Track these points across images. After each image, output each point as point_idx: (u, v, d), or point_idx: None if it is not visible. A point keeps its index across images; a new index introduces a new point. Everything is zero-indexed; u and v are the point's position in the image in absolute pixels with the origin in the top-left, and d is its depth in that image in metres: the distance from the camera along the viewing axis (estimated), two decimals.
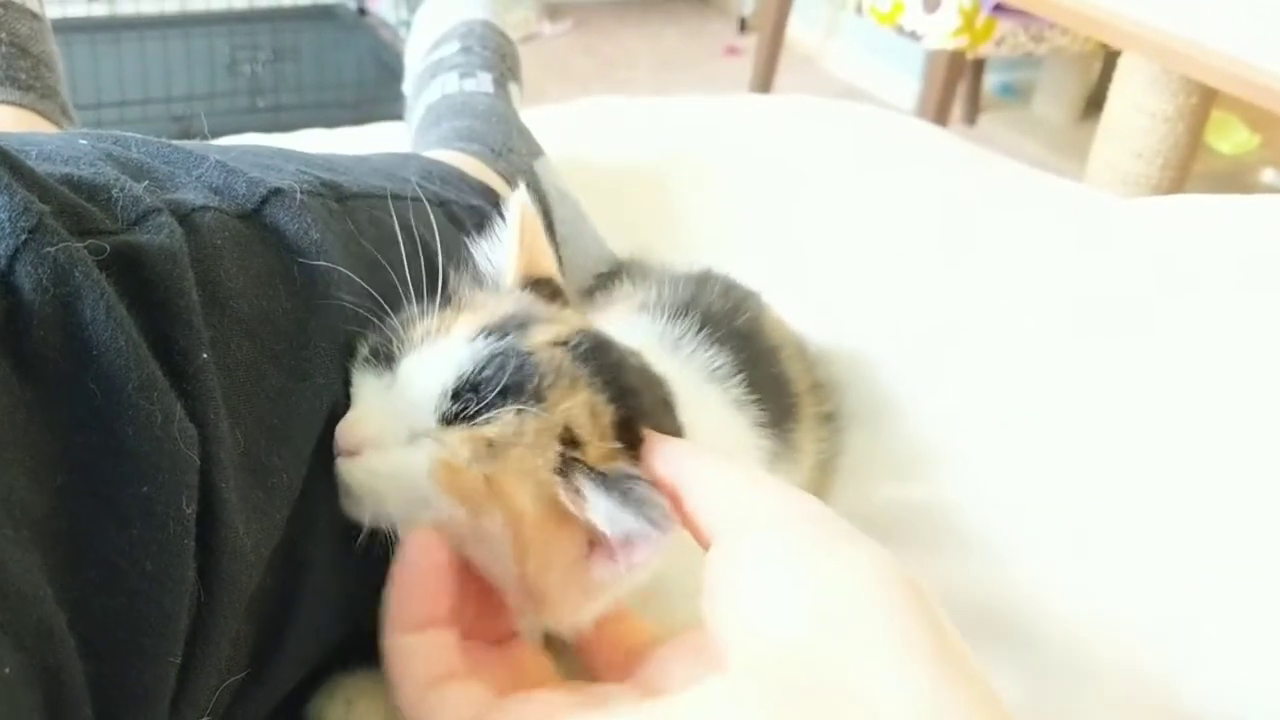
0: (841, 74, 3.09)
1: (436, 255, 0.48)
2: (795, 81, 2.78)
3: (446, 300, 0.45)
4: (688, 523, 0.38)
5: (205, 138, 0.52)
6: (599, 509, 0.38)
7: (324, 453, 0.41)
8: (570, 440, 0.39)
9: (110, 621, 0.31)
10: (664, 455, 0.40)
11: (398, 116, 1.03)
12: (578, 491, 0.39)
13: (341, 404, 0.42)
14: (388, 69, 2.14)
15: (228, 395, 0.36)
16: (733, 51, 3.21)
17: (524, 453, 0.39)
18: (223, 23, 2.36)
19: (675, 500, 0.38)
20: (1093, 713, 0.50)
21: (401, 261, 0.46)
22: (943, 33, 2.09)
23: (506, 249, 0.50)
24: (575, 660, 0.43)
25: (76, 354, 0.32)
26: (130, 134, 0.43)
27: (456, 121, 0.82)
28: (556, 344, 0.42)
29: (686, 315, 0.57)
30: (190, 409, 0.34)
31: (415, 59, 0.99)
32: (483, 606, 0.41)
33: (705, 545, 0.37)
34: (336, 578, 0.41)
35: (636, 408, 0.42)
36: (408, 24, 1.89)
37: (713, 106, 1.06)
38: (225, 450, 0.35)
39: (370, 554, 0.41)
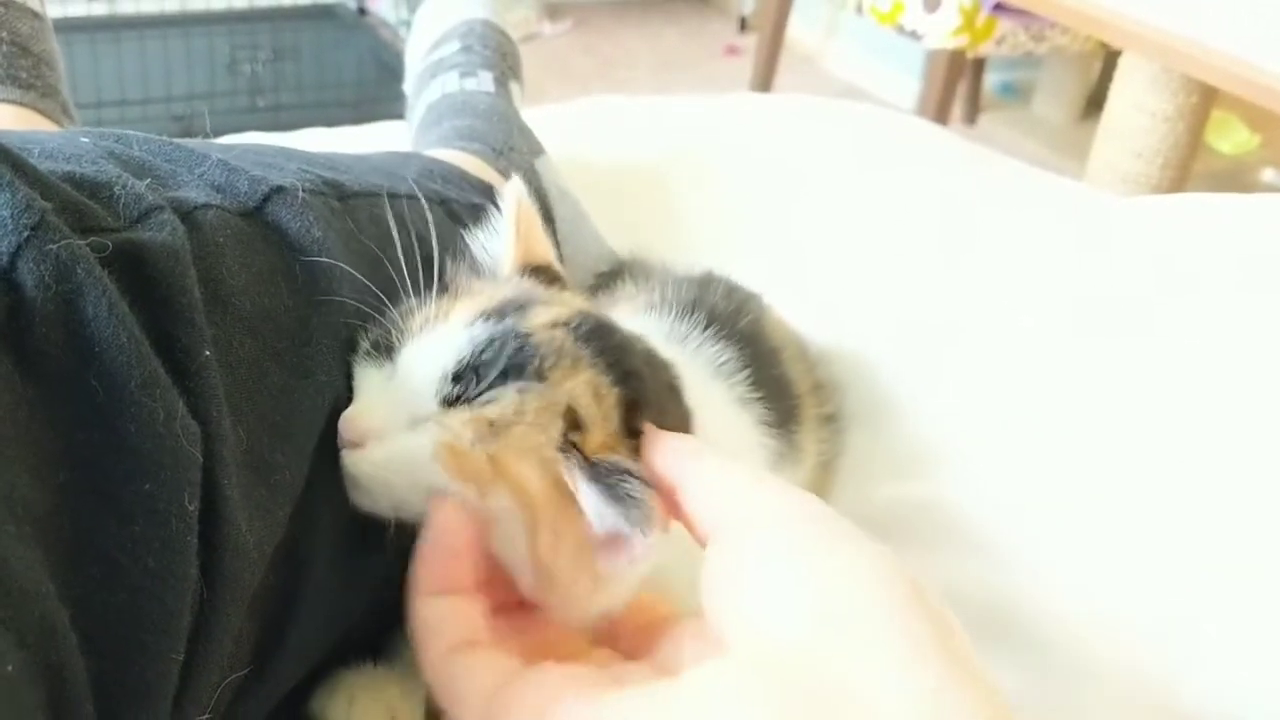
0: (841, 74, 3.08)
1: (437, 253, 0.48)
2: (795, 81, 2.78)
3: (445, 290, 0.45)
4: (685, 519, 0.38)
5: (207, 136, 0.52)
6: (587, 502, 0.38)
7: (326, 450, 0.41)
8: (574, 421, 0.39)
9: (112, 618, 0.31)
10: (665, 450, 0.39)
11: (398, 116, 1.03)
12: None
13: (344, 401, 0.42)
14: (388, 68, 2.14)
15: (230, 393, 0.36)
16: (733, 51, 3.21)
17: (526, 431, 0.39)
18: (223, 22, 2.36)
19: (672, 496, 0.38)
20: (1093, 712, 0.50)
21: (401, 260, 0.46)
22: (943, 32, 2.09)
23: (503, 237, 0.50)
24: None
25: (79, 351, 0.32)
26: (132, 132, 0.43)
27: (457, 120, 0.82)
28: (557, 325, 0.42)
29: (691, 315, 0.57)
30: (193, 406, 0.34)
31: (416, 58, 0.99)
32: (509, 581, 0.41)
33: (702, 542, 0.37)
34: (338, 575, 0.41)
35: (641, 390, 0.41)
36: (408, 23, 1.88)
37: (713, 106, 1.06)
38: (228, 447, 0.35)
39: (372, 551, 0.41)
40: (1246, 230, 0.74)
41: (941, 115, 2.18)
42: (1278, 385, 0.61)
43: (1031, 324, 0.71)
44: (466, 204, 0.62)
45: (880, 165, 0.94)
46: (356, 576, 0.43)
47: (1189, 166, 1.64)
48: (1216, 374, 0.63)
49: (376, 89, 2.17)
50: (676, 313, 0.57)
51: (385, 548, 0.42)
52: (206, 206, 0.39)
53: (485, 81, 0.90)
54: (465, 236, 0.52)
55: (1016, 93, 2.85)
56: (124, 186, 0.37)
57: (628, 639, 0.40)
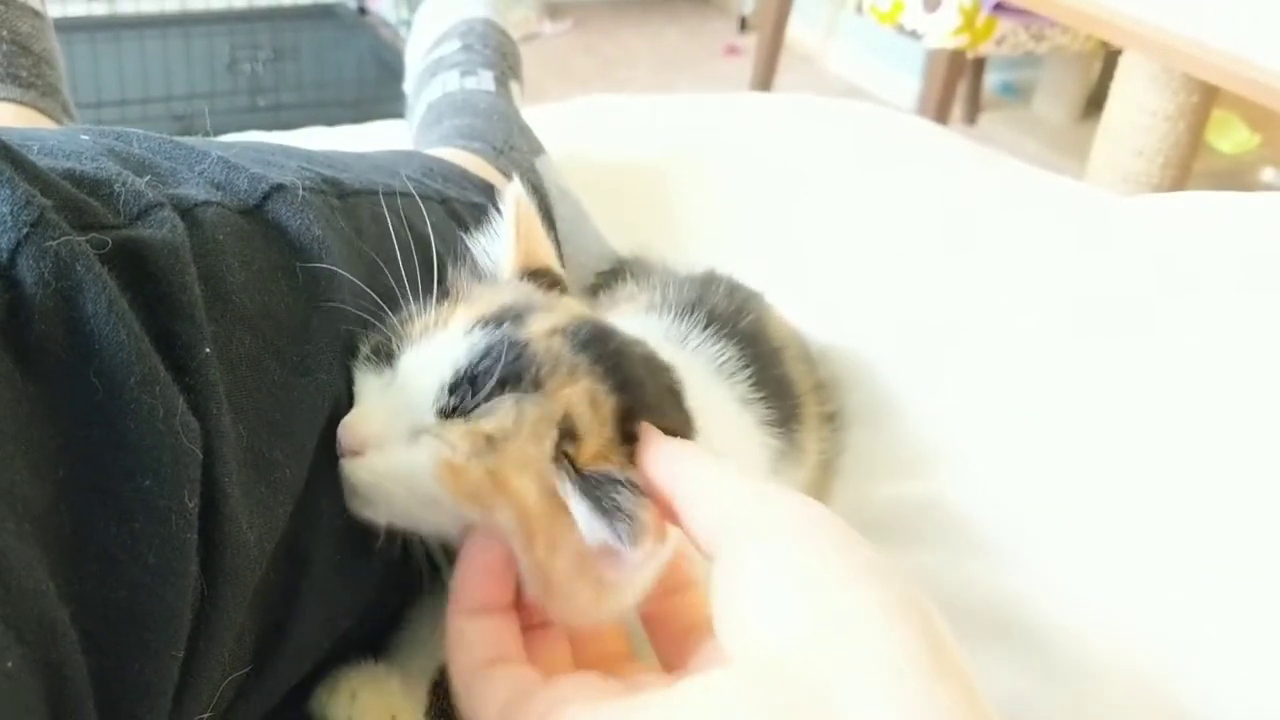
0: (841, 73, 3.08)
1: (438, 252, 0.48)
2: (795, 81, 2.78)
3: (445, 294, 0.45)
4: (686, 529, 0.37)
5: (208, 135, 0.52)
6: (579, 515, 0.37)
7: (326, 448, 0.41)
8: (569, 431, 0.39)
9: (112, 616, 0.31)
10: (662, 456, 0.39)
11: (398, 115, 1.03)
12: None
13: (344, 399, 0.42)
14: (388, 68, 2.14)
15: (230, 390, 0.36)
16: (733, 51, 3.21)
17: (524, 444, 0.39)
18: (223, 22, 2.35)
19: (669, 505, 0.38)
20: (1093, 712, 0.50)
21: (403, 257, 0.46)
22: (943, 31, 2.09)
23: (503, 241, 0.50)
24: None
25: (78, 348, 0.32)
26: (132, 130, 0.43)
27: (458, 119, 0.82)
28: (554, 332, 0.42)
29: (692, 315, 0.57)
30: (192, 403, 0.34)
31: (416, 57, 0.99)
32: None
33: (704, 551, 0.37)
34: (338, 573, 0.41)
35: (639, 397, 0.41)
36: (408, 23, 1.88)
37: (713, 106, 1.06)
38: (228, 444, 0.35)
39: (372, 550, 0.41)
40: (1247, 229, 0.74)
41: (942, 115, 2.18)
42: (1278, 385, 0.61)
43: (1031, 324, 0.71)
44: (467, 203, 0.62)
45: (880, 165, 0.94)
46: (357, 575, 0.43)
47: (1190, 166, 1.64)
48: (1216, 374, 0.63)
49: (376, 88, 2.17)
50: (677, 313, 0.57)
51: (383, 549, 0.42)
52: (206, 204, 0.39)
53: (486, 80, 0.90)
54: (466, 239, 0.52)
55: (1017, 92, 2.85)
56: (124, 184, 0.37)
57: (668, 648, 0.40)
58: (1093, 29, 1.68)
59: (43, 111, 0.77)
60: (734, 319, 0.59)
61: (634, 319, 0.57)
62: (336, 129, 1.06)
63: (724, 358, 0.55)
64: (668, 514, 0.38)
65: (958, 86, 2.32)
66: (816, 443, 0.63)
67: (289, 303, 0.40)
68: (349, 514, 0.42)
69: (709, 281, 0.65)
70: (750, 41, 2.99)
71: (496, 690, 0.37)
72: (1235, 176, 2.29)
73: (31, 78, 0.78)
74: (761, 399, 0.56)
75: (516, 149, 0.78)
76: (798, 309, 0.74)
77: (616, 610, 0.40)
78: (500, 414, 0.39)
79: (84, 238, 0.33)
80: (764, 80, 2.51)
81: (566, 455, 0.39)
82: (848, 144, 0.98)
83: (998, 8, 2.07)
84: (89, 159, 0.38)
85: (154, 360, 0.33)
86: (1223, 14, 1.42)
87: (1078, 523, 0.59)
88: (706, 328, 0.57)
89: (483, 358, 0.40)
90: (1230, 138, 2.34)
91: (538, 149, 0.82)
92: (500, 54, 0.94)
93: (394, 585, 0.45)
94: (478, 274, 0.49)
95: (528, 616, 0.40)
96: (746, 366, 0.56)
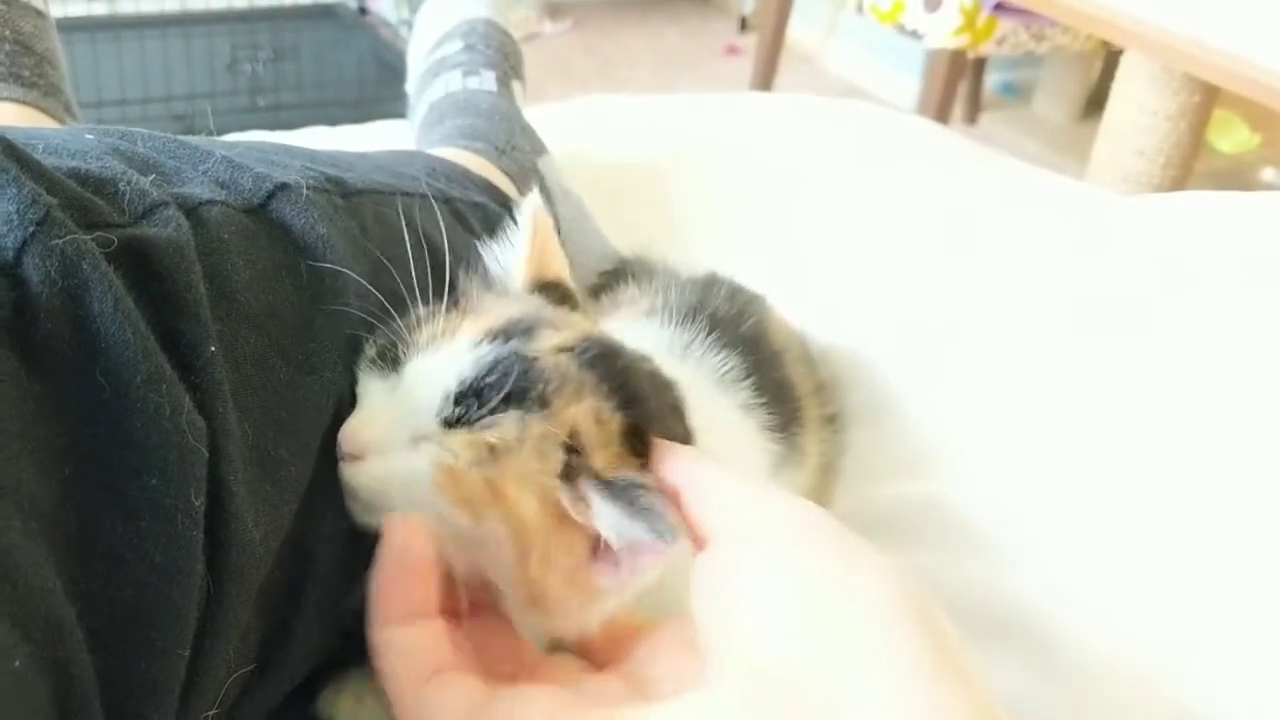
0: (842, 73, 3.08)
1: (441, 252, 0.48)
2: (795, 81, 2.78)
3: (454, 301, 0.45)
4: (691, 530, 0.38)
5: (210, 134, 0.52)
6: (605, 518, 0.38)
7: (331, 446, 0.41)
8: (576, 449, 0.39)
9: (118, 614, 0.31)
10: (670, 461, 0.40)
11: (398, 115, 1.03)
12: (582, 498, 0.38)
13: (348, 397, 0.42)
14: (388, 68, 2.14)
15: (235, 388, 0.36)
16: (733, 51, 3.21)
17: (526, 458, 0.39)
18: (223, 22, 2.35)
19: (675, 502, 0.38)
20: (1094, 712, 0.50)
21: (406, 258, 0.46)
22: (944, 31, 2.09)
23: (517, 252, 0.50)
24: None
25: (84, 346, 0.32)
26: (136, 129, 0.43)
27: (460, 119, 0.82)
28: (562, 350, 0.42)
29: (694, 320, 0.57)
30: (198, 402, 0.34)
31: (418, 58, 0.99)
32: (473, 590, 0.41)
33: (699, 546, 0.37)
34: (343, 570, 0.41)
35: (644, 415, 0.41)
36: (408, 23, 1.88)
37: (713, 106, 1.06)
38: (233, 443, 0.35)
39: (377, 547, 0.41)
40: (1247, 229, 0.74)
41: (942, 115, 2.18)
42: (1278, 385, 0.61)
43: (1031, 324, 0.71)
44: (469, 202, 0.62)
45: (881, 165, 0.94)
46: (362, 573, 0.43)
47: (1190, 165, 1.64)
48: (1217, 374, 0.63)
49: (377, 88, 2.17)
50: (679, 319, 0.57)
51: None
52: (211, 203, 0.39)
53: (488, 80, 0.90)
54: (475, 243, 0.52)
55: (1017, 92, 2.85)
56: (129, 183, 0.37)
57: (597, 648, 0.40)
58: (1093, 29, 1.68)
59: (45, 111, 0.77)
60: (735, 323, 0.60)
61: (635, 324, 0.57)
62: (339, 128, 1.06)
63: (726, 366, 0.55)
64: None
65: (958, 86, 2.32)
66: (817, 445, 0.63)
67: (293, 302, 0.40)
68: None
69: (710, 285, 0.65)
70: (750, 41, 2.99)
71: (451, 702, 0.35)
72: (1236, 176, 2.29)
73: (34, 77, 0.78)
74: (763, 404, 0.56)
75: (519, 149, 0.78)
76: (798, 309, 0.74)
77: (601, 616, 0.40)
78: (504, 427, 0.39)
79: (90, 236, 0.33)
80: (764, 80, 2.51)
81: (583, 466, 0.39)
82: (848, 144, 0.98)
83: (998, 8, 2.07)
84: (94, 158, 0.38)
85: (160, 359, 0.33)
86: (1223, 14, 1.42)
87: (1078, 523, 0.59)
88: (708, 334, 0.57)
89: (490, 372, 0.40)
90: (1231, 138, 2.34)
91: (540, 149, 0.82)
92: (502, 54, 0.95)
93: None
94: (488, 283, 0.49)
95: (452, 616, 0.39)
96: (748, 374, 0.56)
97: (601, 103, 1.07)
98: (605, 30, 3.32)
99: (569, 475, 0.39)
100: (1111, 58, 2.20)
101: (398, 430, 0.41)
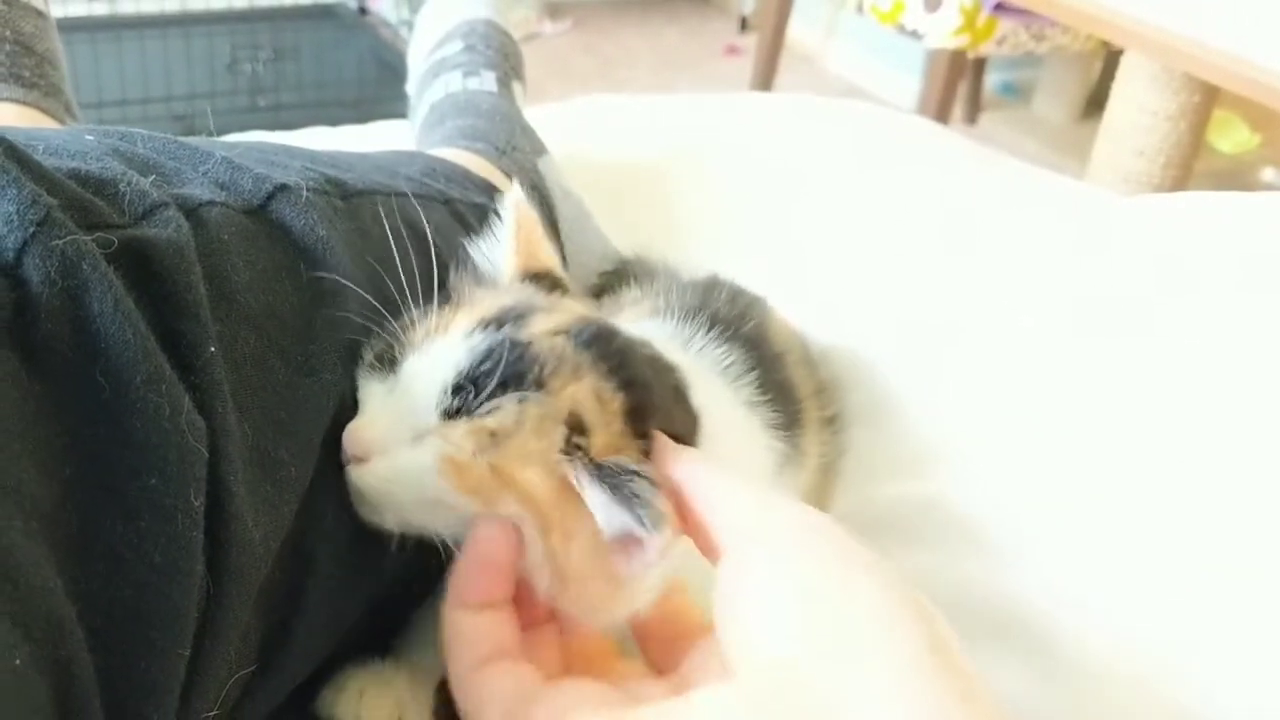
0: (842, 73, 3.08)
1: (441, 253, 0.48)
2: (795, 81, 2.78)
3: (447, 299, 0.45)
4: (696, 532, 0.38)
5: (211, 135, 0.52)
6: (595, 503, 0.38)
7: (331, 447, 0.41)
8: (578, 426, 0.39)
9: (118, 614, 0.31)
10: (676, 461, 0.40)
11: (399, 115, 1.03)
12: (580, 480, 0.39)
13: (348, 398, 0.42)
14: (388, 68, 2.14)
15: (235, 389, 0.36)
16: (733, 51, 3.21)
17: (527, 439, 0.39)
18: (223, 22, 2.35)
19: (681, 506, 0.38)
20: (1093, 712, 0.50)
21: (406, 258, 0.46)
22: (944, 31, 2.09)
23: (503, 245, 0.50)
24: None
25: (85, 346, 0.32)
26: (136, 130, 0.43)
27: (460, 120, 0.82)
28: (557, 333, 0.42)
29: (696, 320, 0.57)
30: (198, 402, 0.34)
31: (418, 58, 0.99)
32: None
33: (710, 555, 0.37)
34: (344, 571, 0.41)
35: (646, 394, 0.41)
36: (408, 23, 1.88)
37: (713, 106, 1.06)
38: (233, 443, 0.35)
39: (377, 549, 0.41)
40: (1247, 229, 0.74)
41: (942, 115, 2.18)
42: (1278, 385, 0.61)
43: (1031, 324, 0.71)
44: (470, 203, 0.62)
45: (881, 165, 0.94)
46: (362, 573, 0.43)
47: (1191, 165, 1.64)
48: (1217, 374, 0.63)
49: (377, 89, 2.17)
50: (681, 318, 0.58)
51: (390, 549, 0.42)
52: (211, 204, 0.39)
53: (488, 81, 0.90)
54: (467, 243, 0.53)
55: (1017, 92, 2.85)
56: (129, 183, 0.37)
57: (658, 651, 0.40)
58: (1093, 29, 1.68)
59: (46, 112, 0.77)
60: (737, 324, 0.60)
61: (638, 323, 0.57)
62: (339, 129, 1.06)
63: (730, 360, 0.55)
64: (678, 519, 0.38)
65: (958, 86, 2.31)
66: (817, 446, 0.63)
67: (293, 303, 0.41)
68: (354, 513, 0.42)
69: (711, 286, 0.65)
70: (750, 41, 2.99)
71: (499, 688, 0.36)
72: (1236, 176, 2.29)
73: (35, 78, 0.78)
74: (767, 401, 0.56)
75: (519, 149, 0.78)
76: (798, 309, 0.74)
77: (629, 609, 0.40)
78: (503, 411, 0.39)
79: (90, 237, 0.33)
80: (764, 80, 2.51)
81: (579, 447, 0.39)
82: (848, 144, 0.98)
83: (998, 8, 2.07)
84: (94, 159, 0.38)
85: (160, 359, 0.33)
86: (1223, 14, 1.42)
87: (1078, 523, 0.59)
88: (709, 333, 0.57)
89: (484, 359, 0.40)
90: (1231, 138, 2.34)
91: (540, 149, 0.82)
92: (503, 55, 0.95)
93: (400, 584, 0.45)
94: (479, 278, 0.49)
95: (521, 617, 0.40)
96: (752, 369, 0.56)
97: (601, 103, 1.07)
98: (605, 30, 3.32)
99: (569, 452, 0.39)
100: (1111, 58, 2.20)
101: (399, 428, 0.41)
